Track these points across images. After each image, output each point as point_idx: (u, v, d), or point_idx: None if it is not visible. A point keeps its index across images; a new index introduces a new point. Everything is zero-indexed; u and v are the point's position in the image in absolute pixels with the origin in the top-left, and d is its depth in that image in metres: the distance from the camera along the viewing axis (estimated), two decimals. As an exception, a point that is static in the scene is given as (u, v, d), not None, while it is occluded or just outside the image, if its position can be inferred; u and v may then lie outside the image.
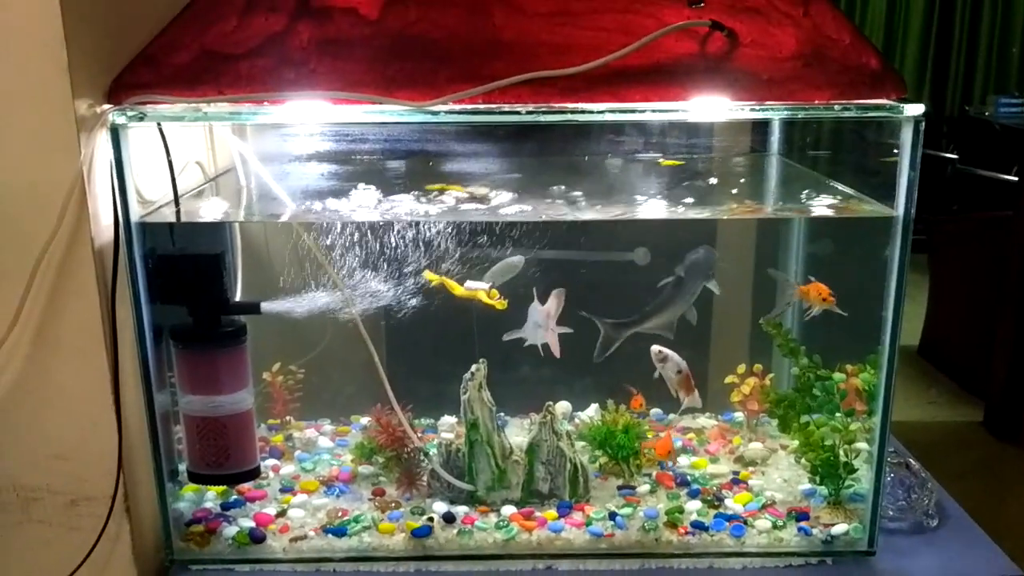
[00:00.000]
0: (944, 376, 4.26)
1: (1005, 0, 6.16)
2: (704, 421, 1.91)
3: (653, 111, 1.35)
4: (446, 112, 1.32)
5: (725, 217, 1.63)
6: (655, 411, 1.93)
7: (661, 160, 1.86)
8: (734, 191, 1.82)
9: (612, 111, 1.34)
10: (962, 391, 4.13)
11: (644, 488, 1.63)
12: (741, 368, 1.83)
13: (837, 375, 1.74)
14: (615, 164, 1.88)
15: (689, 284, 1.74)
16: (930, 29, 6.24)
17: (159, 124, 1.40)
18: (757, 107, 1.35)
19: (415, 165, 1.80)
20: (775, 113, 1.41)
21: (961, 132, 5.79)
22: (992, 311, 3.79)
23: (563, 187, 1.64)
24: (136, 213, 1.35)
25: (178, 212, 1.46)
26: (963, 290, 4.23)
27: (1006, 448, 3.69)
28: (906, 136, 1.36)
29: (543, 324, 1.65)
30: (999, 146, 5.36)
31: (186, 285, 1.42)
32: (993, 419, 3.81)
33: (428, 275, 1.58)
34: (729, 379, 1.83)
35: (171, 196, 1.46)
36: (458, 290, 1.61)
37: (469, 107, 1.32)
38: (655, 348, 1.72)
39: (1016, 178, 4.46)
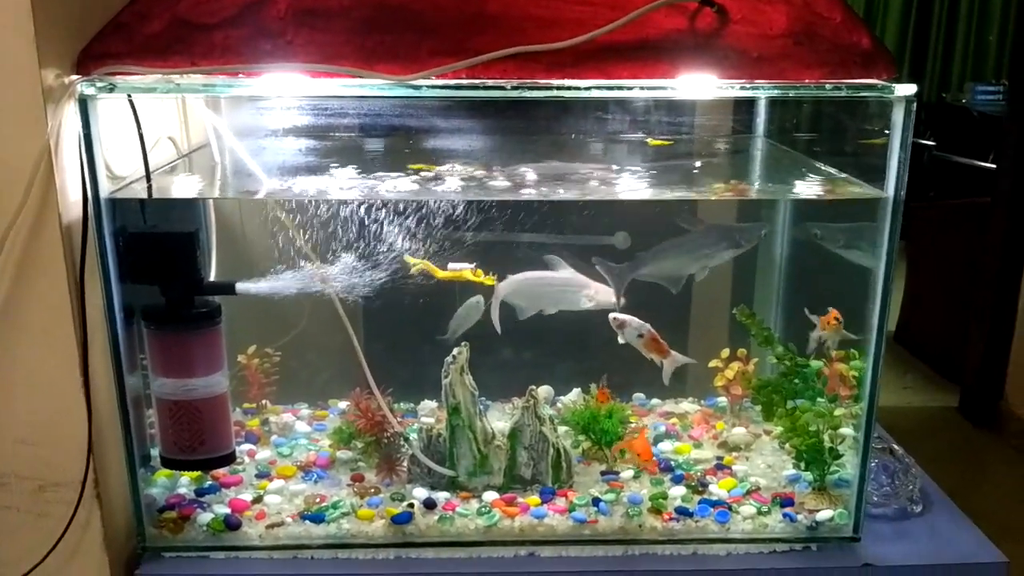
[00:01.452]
0: (920, 362, 4.28)
1: (983, -12, 6.19)
2: (687, 406, 1.89)
3: (641, 88, 1.32)
4: (428, 87, 1.29)
5: (713, 197, 1.60)
6: (637, 396, 1.91)
7: (649, 140, 1.83)
8: (727, 172, 1.80)
9: (599, 88, 1.31)
10: (938, 377, 4.15)
11: (627, 474, 1.60)
12: (725, 352, 1.81)
13: (814, 363, 1.73)
14: (596, 148, 1.85)
15: (710, 241, 1.69)
16: (909, 16, 6.26)
17: (130, 96, 1.36)
18: (747, 85, 1.33)
19: (394, 142, 1.76)
20: (765, 92, 1.39)
21: (938, 119, 5.81)
22: (968, 297, 3.81)
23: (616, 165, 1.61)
24: (106, 189, 1.30)
25: (149, 188, 1.41)
26: (939, 276, 4.24)
27: (981, 433, 3.71)
28: (897, 116, 1.34)
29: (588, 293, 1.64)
30: (976, 133, 5.38)
31: (158, 264, 1.37)
32: (968, 405, 3.84)
33: (409, 260, 1.54)
34: (713, 363, 1.81)
35: (142, 171, 1.41)
36: (440, 273, 1.58)
37: (452, 82, 1.29)
38: (611, 315, 1.65)
39: (993, 165, 4.48)
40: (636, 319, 1.65)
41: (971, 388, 3.82)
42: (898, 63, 1.29)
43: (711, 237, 1.69)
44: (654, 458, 1.64)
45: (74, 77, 1.27)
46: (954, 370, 3.98)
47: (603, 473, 1.61)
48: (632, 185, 1.62)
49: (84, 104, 1.25)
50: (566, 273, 1.66)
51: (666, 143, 1.83)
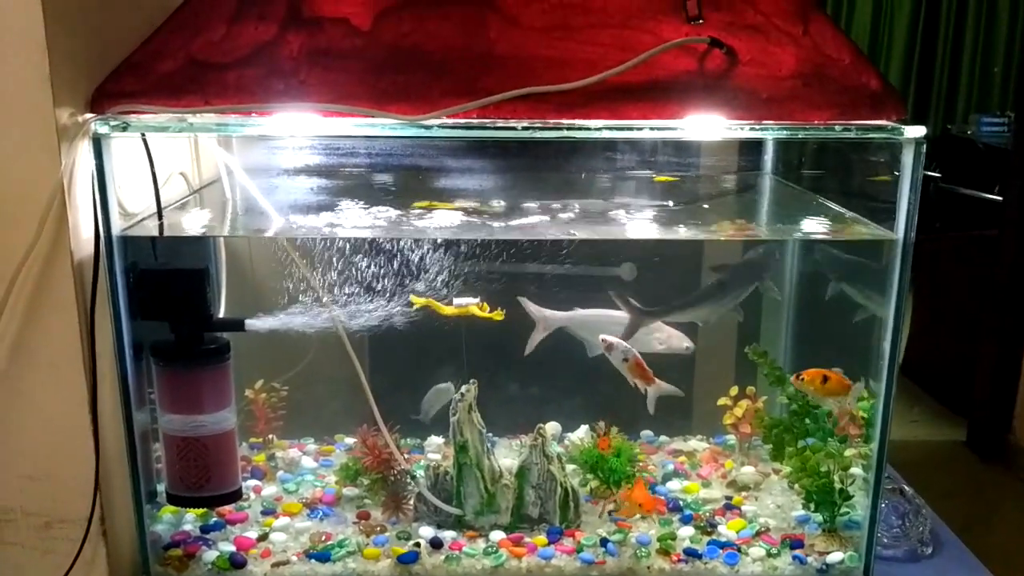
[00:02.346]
0: (927, 395, 4.26)
1: (987, 20, 6.22)
2: (696, 444, 1.88)
3: (651, 129, 1.33)
4: (439, 127, 1.29)
5: (723, 238, 1.60)
6: (645, 433, 1.90)
7: (655, 177, 1.83)
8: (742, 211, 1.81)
9: (609, 128, 1.31)
10: (945, 410, 4.13)
11: (636, 514, 1.59)
12: (734, 390, 1.80)
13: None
14: (605, 185, 1.86)
15: (738, 283, 1.67)
16: (913, 48, 6.29)
17: (143, 134, 1.36)
18: (756, 126, 1.33)
19: (405, 180, 1.77)
20: (774, 133, 1.39)
21: (943, 151, 5.82)
22: (975, 330, 3.79)
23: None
24: (117, 226, 1.31)
25: (161, 225, 1.42)
26: (946, 308, 4.23)
27: (989, 468, 3.68)
28: (907, 158, 1.35)
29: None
30: (981, 165, 5.39)
31: (168, 301, 1.37)
32: (976, 439, 3.81)
33: (412, 299, 1.54)
34: (721, 401, 1.81)
35: (154, 209, 1.42)
36: (446, 310, 1.57)
37: (463, 122, 1.29)
38: (601, 336, 1.63)
39: (999, 197, 4.48)
40: (624, 343, 1.64)
41: (979, 421, 3.80)
42: (903, 96, 1.31)
43: (739, 278, 1.69)
44: (662, 497, 1.63)
45: (88, 115, 1.28)
46: (962, 403, 3.96)
47: (611, 513, 1.59)
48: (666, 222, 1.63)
49: (98, 142, 1.26)
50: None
51: (672, 180, 1.83)
